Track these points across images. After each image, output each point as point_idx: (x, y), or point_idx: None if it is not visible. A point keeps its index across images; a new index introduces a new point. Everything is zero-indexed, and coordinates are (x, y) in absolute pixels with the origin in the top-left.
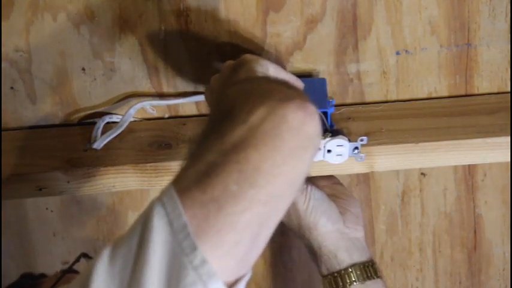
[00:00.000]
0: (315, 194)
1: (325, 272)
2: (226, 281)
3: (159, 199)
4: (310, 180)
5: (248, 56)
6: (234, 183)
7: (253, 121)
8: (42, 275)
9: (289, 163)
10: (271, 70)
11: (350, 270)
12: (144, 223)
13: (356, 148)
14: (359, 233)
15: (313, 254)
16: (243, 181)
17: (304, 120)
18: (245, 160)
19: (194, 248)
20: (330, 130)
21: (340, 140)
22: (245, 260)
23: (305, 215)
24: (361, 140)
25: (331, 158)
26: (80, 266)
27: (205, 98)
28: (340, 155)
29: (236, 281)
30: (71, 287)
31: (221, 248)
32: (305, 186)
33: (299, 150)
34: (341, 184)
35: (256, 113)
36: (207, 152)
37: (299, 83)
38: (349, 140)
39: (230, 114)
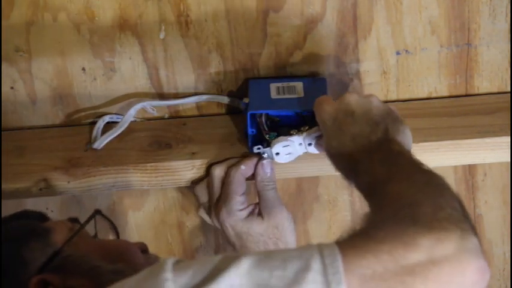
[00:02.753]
0: None
1: None
2: None
3: (321, 254)
4: None
5: (383, 106)
6: None
7: (438, 254)
8: (41, 215)
9: None
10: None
11: None
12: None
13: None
14: None
15: None
16: None
17: (476, 285)
18: (407, 285)
19: None
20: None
21: (284, 142)
22: None
23: None
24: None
25: (282, 158)
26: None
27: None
28: (290, 153)
29: None
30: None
31: None
32: None
33: None
34: None
35: (446, 247)
36: (378, 254)
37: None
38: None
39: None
